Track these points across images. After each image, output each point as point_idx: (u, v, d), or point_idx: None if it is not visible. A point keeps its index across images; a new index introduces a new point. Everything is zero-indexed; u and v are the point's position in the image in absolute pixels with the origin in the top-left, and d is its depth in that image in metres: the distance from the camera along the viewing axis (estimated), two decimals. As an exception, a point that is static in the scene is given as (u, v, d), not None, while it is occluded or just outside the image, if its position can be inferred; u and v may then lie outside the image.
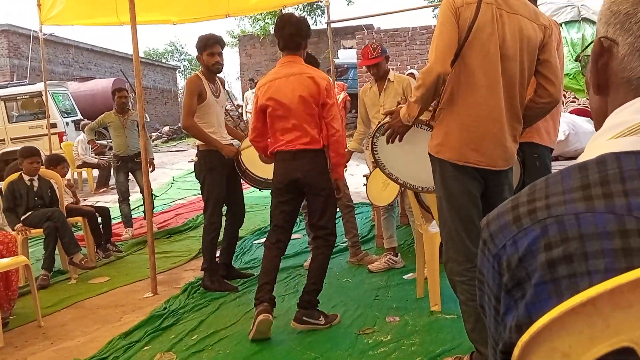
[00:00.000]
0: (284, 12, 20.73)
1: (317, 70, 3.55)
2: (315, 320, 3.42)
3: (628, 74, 0.72)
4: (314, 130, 3.42)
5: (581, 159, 0.72)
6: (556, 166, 4.58)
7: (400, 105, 2.93)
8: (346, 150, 5.03)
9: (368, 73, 4.92)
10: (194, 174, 4.60)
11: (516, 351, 0.64)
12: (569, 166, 0.71)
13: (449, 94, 2.41)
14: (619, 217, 0.62)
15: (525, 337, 0.63)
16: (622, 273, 0.59)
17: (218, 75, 4.53)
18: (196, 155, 4.45)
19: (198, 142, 4.41)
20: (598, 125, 0.77)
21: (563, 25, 6.91)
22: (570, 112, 6.68)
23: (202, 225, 6.86)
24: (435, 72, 2.29)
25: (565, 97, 6.63)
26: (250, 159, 4.29)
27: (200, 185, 4.46)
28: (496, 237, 0.72)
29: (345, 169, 5.07)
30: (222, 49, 4.48)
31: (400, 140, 2.55)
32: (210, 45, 4.34)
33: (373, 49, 4.46)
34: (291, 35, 3.41)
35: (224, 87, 4.71)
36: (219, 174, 4.31)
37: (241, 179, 4.54)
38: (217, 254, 4.56)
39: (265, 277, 3.46)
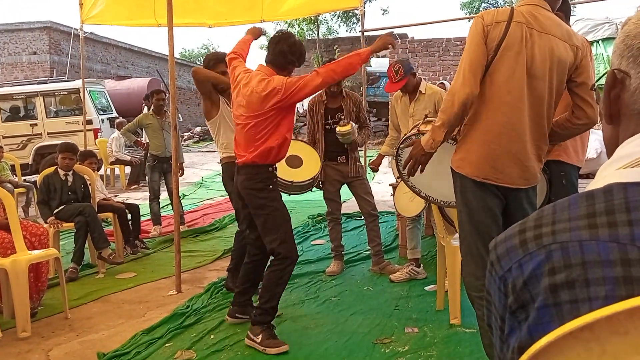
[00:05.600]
0: (319, 18, 20.84)
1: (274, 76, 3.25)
2: (253, 336, 3.31)
3: (639, 106, 0.74)
4: (258, 142, 3.25)
5: (590, 187, 0.74)
6: (585, 184, 4.52)
7: (428, 118, 2.95)
8: (378, 154, 5.07)
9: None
10: (221, 175, 4.67)
11: (516, 372, 0.67)
12: (577, 194, 0.73)
13: (473, 110, 2.41)
14: (622, 246, 0.64)
15: (524, 358, 0.65)
16: (622, 301, 0.60)
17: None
18: (221, 169, 4.52)
19: (220, 156, 4.48)
20: (609, 154, 0.79)
21: (600, 42, 6.84)
22: (603, 130, 6.58)
23: (228, 226, 7.04)
24: (464, 94, 2.30)
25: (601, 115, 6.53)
26: None
27: (229, 196, 4.53)
28: (503, 259, 0.74)
29: (373, 175, 5.13)
30: (226, 67, 4.53)
31: (421, 171, 2.53)
32: (211, 66, 4.36)
33: (395, 71, 4.33)
34: (282, 52, 3.28)
35: None
36: None
37: None
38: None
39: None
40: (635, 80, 0.74)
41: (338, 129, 4.47)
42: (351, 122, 4.47)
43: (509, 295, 0.73)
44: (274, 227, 3.32)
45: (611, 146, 0.79)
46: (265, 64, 3.40)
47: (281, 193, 3.56)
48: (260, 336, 3.27)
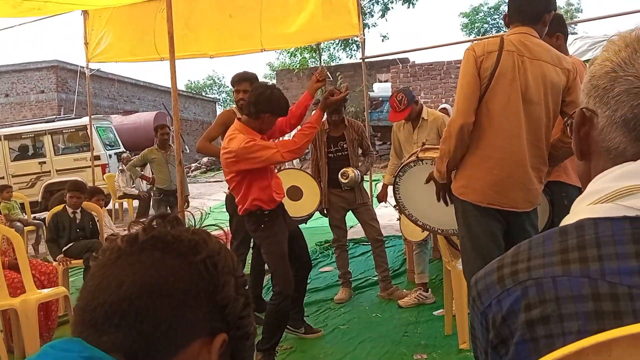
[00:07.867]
0: (321, 46, 21.12)
1: (241, 134, 3.32)
2: None
3: (607, 144, 0.77)
4: (239, 195, 3.47)
5: (564, 222, 0.76)
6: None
7: (425, 145, 3.00)
8: (383, 184, 5.11)
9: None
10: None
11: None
12: (552, 229, 0.76)
13: (471, 138, 2.47)
14: (593, 282, 0.67)
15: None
16: (594, 335, 0.63)
17: None
18: (228, 189, 4.58)
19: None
20: (583, 189, 0.82)
21: (598, 59, 6.89)
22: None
23: (236, 256, 7.06)
24: (458, 124, 2.39)
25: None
26: None
27: (229, 217, 4.58)
28: (483, 295, 0.77)
29: (381, 201, 5.18)
30: (251, 85, 4.61)
31: (447, 204, 2.61)
32: (236, 82, 4.49)
33: (399, 101, 4.42)
34: (249, 102, 3.40)
35: None
36: None
37: None
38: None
39: None
40: (602, 119, 0.77)
41: (341, 180, 4.57)
42: (350, 169, 4.54)
43: (490, 330, 0.75)
44: (270, 264, 3.54)
45: (584, 181, 0.82)
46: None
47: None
48: None
